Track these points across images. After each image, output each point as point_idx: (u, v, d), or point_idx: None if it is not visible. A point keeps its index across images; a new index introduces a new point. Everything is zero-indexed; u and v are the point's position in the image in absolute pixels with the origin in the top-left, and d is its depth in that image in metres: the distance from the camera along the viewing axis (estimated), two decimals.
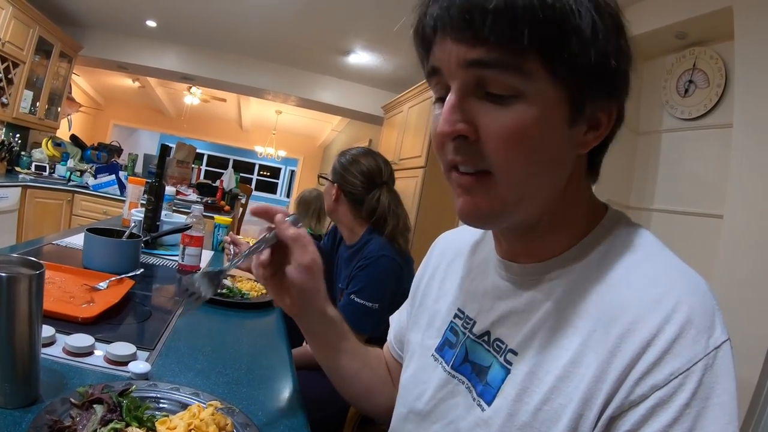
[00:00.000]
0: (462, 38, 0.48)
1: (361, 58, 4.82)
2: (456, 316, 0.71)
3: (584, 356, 0.51)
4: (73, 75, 5.17)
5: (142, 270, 1.48)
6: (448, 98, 0.52)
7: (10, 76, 3.87)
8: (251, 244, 0.80)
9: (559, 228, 0.58)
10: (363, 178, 1.70)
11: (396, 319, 0.92)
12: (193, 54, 5.46)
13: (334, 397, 1.41)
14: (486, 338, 0.63)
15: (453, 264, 0.78)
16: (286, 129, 10.53)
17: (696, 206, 2.30)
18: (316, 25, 4.17)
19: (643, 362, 0.47)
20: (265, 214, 0.76)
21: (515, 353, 0.58)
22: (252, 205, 0.75)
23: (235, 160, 15.82)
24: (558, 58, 0.47)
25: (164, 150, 1.98)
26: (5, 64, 3.77)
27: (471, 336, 0.66)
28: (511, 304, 0.61)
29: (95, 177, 4.29)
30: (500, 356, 0.60)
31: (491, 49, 0.47)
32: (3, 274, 0.60)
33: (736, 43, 1.97)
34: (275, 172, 17.87)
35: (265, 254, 0.76)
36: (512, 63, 0.47)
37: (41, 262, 0.66)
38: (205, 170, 13.65)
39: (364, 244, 1.65)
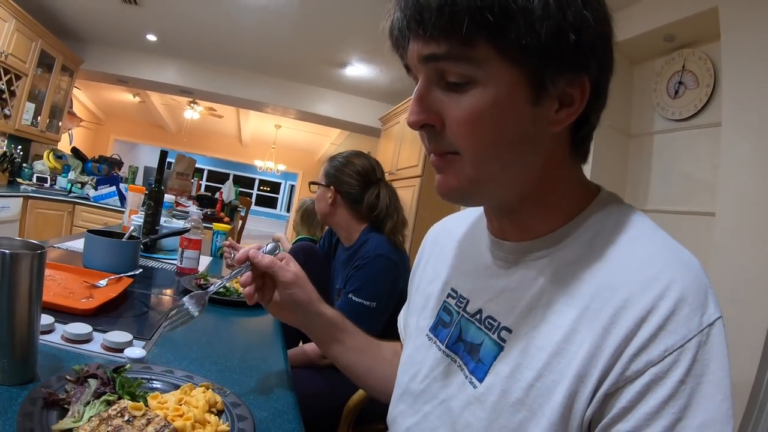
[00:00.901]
0: (418, 36, 0.52)
1: (357, 70, 4.87)
2: (449, 295, 0.73)
3: (577, 333, 0.51)
4: (74, 89, 5.23)
5: (141, 270, 1.51)
6: (414, 92, 0.56)
7: (12, 89, 3.92)
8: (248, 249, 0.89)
9: (546, 206, 0.59)
10: (359, 177, 1.72)
11: (403, 314, 0.94)
12: (192, 68, 5.52)
13: (330, 396, 1.44)
14: (478, 316, 0.64)
15: (446, 248, 0.79)
16: (285, 143, 10.58)
17: (689, 205, 2.32)
18: (313, 38, 4.23)
19: (637, 339, 0.47)
20: (246, 257, 0.84)
21: (509, 331, 0.59)
22: (236, 255, 0.86)
23: (235, 175, 15.86)
24: (506, 41, 0.49)
25: (163, 155, 2.01)
26: (8, 77, 3.82)
27: (465, 315, 0.67)
28: (504, 282, 0.62)
29: (96, 188, 4.31)
30: (492, 333, 0.61)
31: (441, 43, 0.51)
32: (6, 251, 0.62)
33: (722, 43, 2.00)
34: (275, 187, 17.93)
35: (246, 277, 0.84)
36: (462, 53, 0.50)
37: (42, 244, 0.69)
38: (205, 185, 13.70)
39: (362, 245, 1.66)
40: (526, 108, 0.52)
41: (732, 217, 1.89)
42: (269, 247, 0.88)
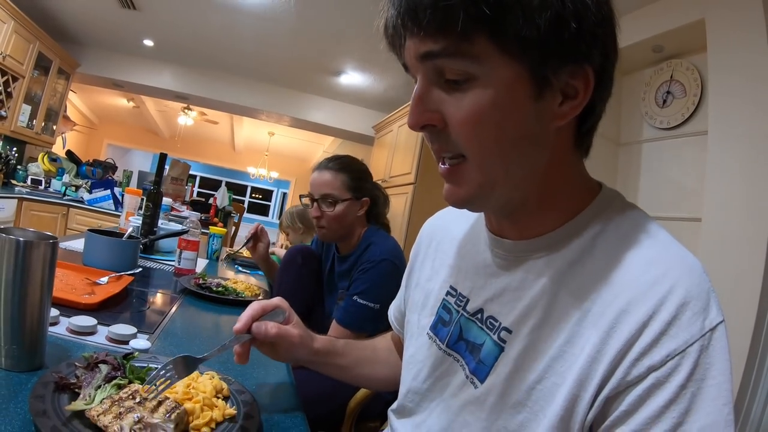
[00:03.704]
0: (413, 34, 0.50)
1: (352, 78, 4.90)
2: (448, 293, 0.71)
3: (579, 336, 0.51)
4: (69, 92, 5.23)
5: (140, 269, 1.52)
6: (413, 91, 0.54)
7: (9, 90, 3.90)
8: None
9: (548, 205, 0.58)
10: (372, 181, 1.76)
11: (394, 305, 0.94)
12: (188, 73, 5.53)
13: (333, 395, 1.45)
14: (479, 316, 0.63)
15: (442, 243, 0.78)
16: (278, 150, 10.58)
17: (677, 211, 2.37)
18: (308, 46, 4.26)
19: (639, 343, 0.47)
20: (246, 327, 0.77)
21: (509, 331, 0.58)
22: (236, 325, 0.77)
23: (227, 182, 15.79)
24: (505, 35, 0.47)
25: (163, 158, 2.03)
26: (5, 78, 3.81)
27: (465, 314, 0.66)
28: (505, 282, 0.61)
29: (90, 192, 4.32)
30: (493, 334, 0.60)
31: (438, 40, 0.49)
32: (21, 239, 0.65)
33: (708, 54, 2.06)
34: (267, 195, 17.86)
35: (243, 347, 0.77)
36: (461, 49, 0.48)
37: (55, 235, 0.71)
38: (198, 191, 13.65)
39: (365, 249, 1.65)
40: (528, 104, 0.51)
41: (717, 222, 1.94)
42: (271, 318, 0.81)
